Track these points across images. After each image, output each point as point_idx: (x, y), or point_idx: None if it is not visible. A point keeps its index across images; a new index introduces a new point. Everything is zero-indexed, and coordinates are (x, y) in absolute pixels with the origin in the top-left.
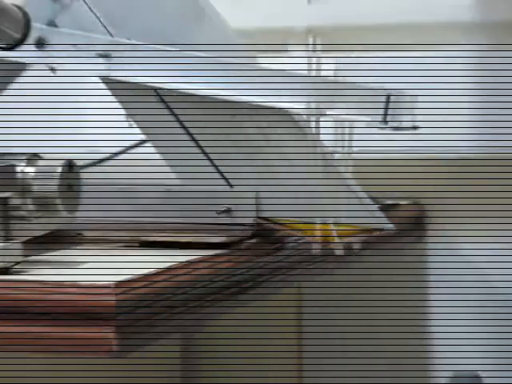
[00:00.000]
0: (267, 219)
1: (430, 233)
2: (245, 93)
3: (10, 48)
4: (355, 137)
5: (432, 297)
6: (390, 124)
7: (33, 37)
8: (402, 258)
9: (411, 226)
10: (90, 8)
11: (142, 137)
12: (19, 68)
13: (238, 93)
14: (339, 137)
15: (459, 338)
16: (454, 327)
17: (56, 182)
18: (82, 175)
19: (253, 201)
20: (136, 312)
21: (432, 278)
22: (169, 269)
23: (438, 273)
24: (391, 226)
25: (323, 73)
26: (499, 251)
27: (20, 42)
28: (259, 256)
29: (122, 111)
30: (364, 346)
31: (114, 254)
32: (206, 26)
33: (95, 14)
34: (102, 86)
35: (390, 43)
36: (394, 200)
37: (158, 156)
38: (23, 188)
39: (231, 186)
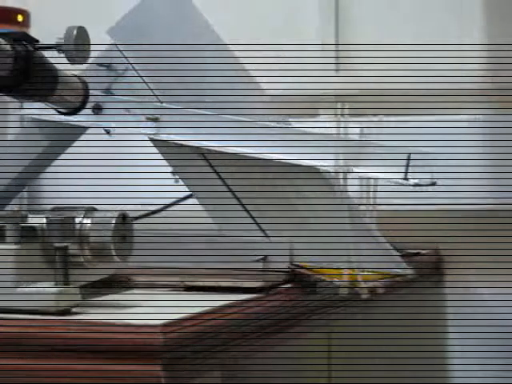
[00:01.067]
0: (299, 266)
1: (447, 278)
2: (279, 151)
3: (70, 113)
4: (379, 191)
5: (450, 335)
6: (411, 180)
7: (90, 103)
8: (422, 302)
9: (430, 271)
10: (141, 76)
11: (187, 191)
12: (78, 131)
13: (274, 151)
14: (364, 191)
15: (478, 377)
16: (472, 372)
17: (110, 232)
18: (134, 226)
19: (286, 249)
20: (181, 350)
21: (450, 322)
22: (211, 311)
23: (456, 317)
24: (411, 271)
25: (350, 134)
26: None
27: (79, 108)
28: (293, 299)
29: (169, 169)
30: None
31: (162, 297)
32: (244, 92)
33: (146, 82)
34: (151, 145)
35: (411, 107)
36: (415, 248)
37: (201, 208)
38: (81, 238)
39: (267, 235)
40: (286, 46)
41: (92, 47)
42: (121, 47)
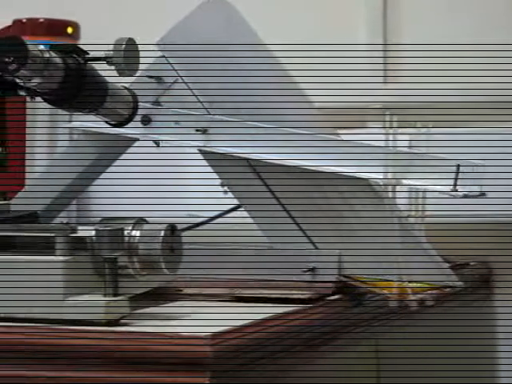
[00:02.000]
0: (348, 277)
1: (497, 290)
2: (328, 163)
3: (120, 125)
4: (428, 202)
5: (500, 348)
6: (460, 192)
7: (140, 115)
8: (472, 315)
9: (480, 284)
10: (190, 88)
11: (236, 202)
12: (128, 143)
13: (323, 163)
14: (413, 203)
15: None
16: None
17: (159, 244)
18: (183, 238)
19: (335, 260)
20: (229, 362)
21: (499, 335)
22: (260, 322)
23: (506, 330)
24: (461, 283)
25: (399, 146)
26: None
27: (129, 119)
28: (341, 311)
29: (218, 180)
30: None
31: (210, 308)
32: (293, 104)
33: (194, 94)
34: (201, 157)
35: (460, 119)
36: (464, 260)
37: (250, 220)
38: (130, 249)
39: (316, 247)
40: (334, 58)
41: (141, 59)
42: (170, 59)
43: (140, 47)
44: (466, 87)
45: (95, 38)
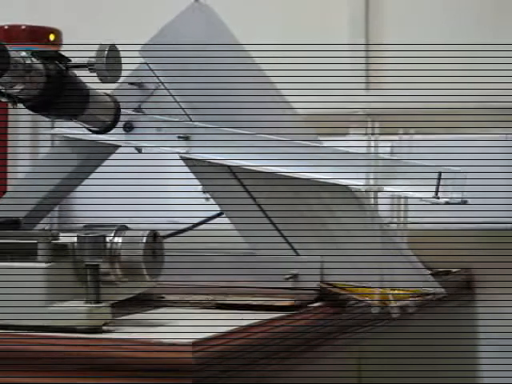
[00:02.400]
0: (330, 284)
1: (478, 297)
2: (310, 170)
3: (102, 132)
4: (410, 209)
5: (481, 354)
6: (442, 199)
7: (122, 121)
8: (453, 321)
9: (461, 290)
10: (172, 95)
11: (218, 209)
12: (109, 150)
13: (304, 170)
14: (395, 209)
15: None
16: None
17: (141, 250)
18: (165, 244)
19: (317, 267)
20: (211, 368)
21: (481, 341)
22: (242, 329)
23: (487, 337)
24: (442, 290)
25: (381, 153)
26: None
27: (110, 126)
28: (323, 318)
29: (200, 187)
30: None
31: (192, 315)
32: (275, 110)
33: (176, 100)
34: (182, 163)
35: (441, 126)
36: (446, 267)
37: (232, 226)
38: (112, 256)
39: (298, 253)
40: (316, 64)
41: (123, 66)
42: (152, 66)
43: (122, 54)
44: (448, 93)
45: (77, 44)
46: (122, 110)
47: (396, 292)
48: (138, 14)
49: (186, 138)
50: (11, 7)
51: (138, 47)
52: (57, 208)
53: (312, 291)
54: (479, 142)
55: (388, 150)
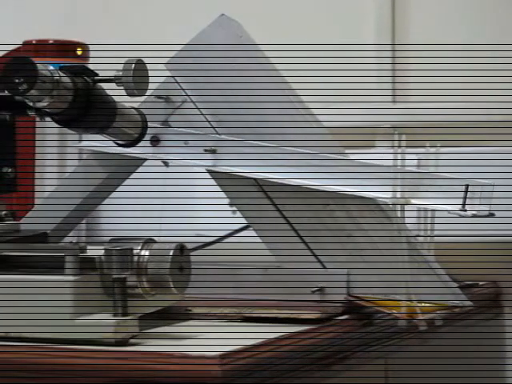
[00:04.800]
0: (357, 297)
1: (506, 310)
2: (337, 183)
3: (129, 145)
4: (437, 222)
5: (509, 367)
6: (469, 212)
7: (148, 135)
8: (481, 334)
9: (489, 303)
10: (198, 108)
11: (244, 222)
12: (136, 163)
13: (331, 183)
14: (422, 222)
15: None
16: None
17: (168, 263)
18: (191, 257)
19: (344, 280)
20: (238, 381)
21: (508, 354)
22: (269, 342)
23: None
24: (470, 303)
25: (407, 166)
26: None
27: (137, 140)
28: (350, 331)
29: (227, 200)
30: None
31: (219, 328)
32: (301, 123)
33: (203, 113)
34: (209, 177)
35: (468, 139)
36: (473, 280)
37: (258, 239)
38: (139, 269)
39: (324, 266)
40: (342, 77)
41: (150, 80)
42: (178, 79)
43: (149, 68)
44: (475, 106)
45: (104, 59)
46: (148, 124)
47: (423, 305)
48: (165, 28)
49: (213, 151)
50: (39, 22)
51: (165, 61)
52: (84, 221)
53: (339, 304)
54: (505, 154)
55: (415, 162)
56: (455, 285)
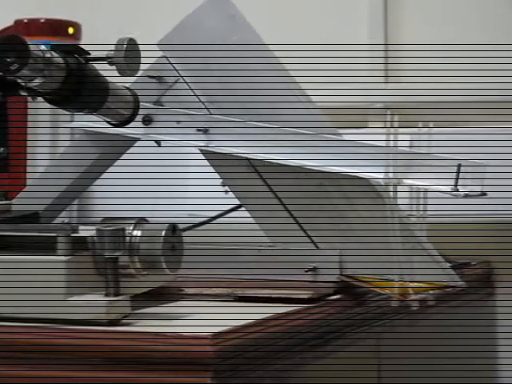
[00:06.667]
0: (349, 277)
1: (498, 290)
2: (329, 163)
3: (121, 125)
4: (429, 202)
5: (501, 348)
6: (461, 191)
7: (141, 115)
8: (473, 314)
9: (481, 283)
10: (191, 88)
11: (237, 202)
12: (129, 143)
13: (324, 163)
14: (415, 202)
15: None
16: None
17: (160, 243)
18: (184, 237)
19: (336, 260)
20: (231, 361)
21: (500, 335)
22: (261, 322)
23: (507, 330)
24: (462, 283)
25: (400, 145)
26: None
27: (130, 119)
28: (342, 311)
29: (219, 180)
30: None
31: (212, 308)
32: (294, 103)
33: (195, 94)
34: (202, 157)
35: (461, 119)
36: (465, 260)
37: (251, 219)
38: (131, 249)
39: (317, 246)
40: (335, 57)
41: (142, 59)
42: (171, 59)
43: (141, 47)
44: (467, 87)
45: (96, 38)
46: (141, 104)
47: (415, 285)
48: (158, 7)
49: (205, 131)
50: (30, 1)
51: (157, 40)
52: (76, 201)
53: (331, 284)
54: (498, 135)
55: (407, 143)
56: (448, 265)
